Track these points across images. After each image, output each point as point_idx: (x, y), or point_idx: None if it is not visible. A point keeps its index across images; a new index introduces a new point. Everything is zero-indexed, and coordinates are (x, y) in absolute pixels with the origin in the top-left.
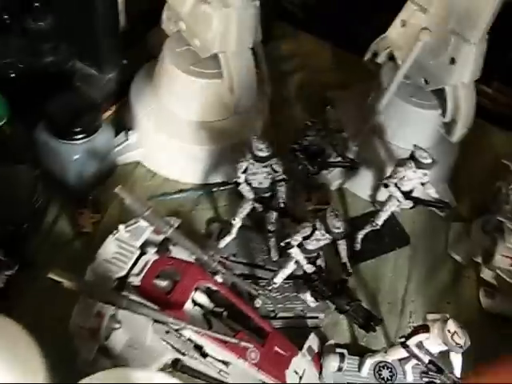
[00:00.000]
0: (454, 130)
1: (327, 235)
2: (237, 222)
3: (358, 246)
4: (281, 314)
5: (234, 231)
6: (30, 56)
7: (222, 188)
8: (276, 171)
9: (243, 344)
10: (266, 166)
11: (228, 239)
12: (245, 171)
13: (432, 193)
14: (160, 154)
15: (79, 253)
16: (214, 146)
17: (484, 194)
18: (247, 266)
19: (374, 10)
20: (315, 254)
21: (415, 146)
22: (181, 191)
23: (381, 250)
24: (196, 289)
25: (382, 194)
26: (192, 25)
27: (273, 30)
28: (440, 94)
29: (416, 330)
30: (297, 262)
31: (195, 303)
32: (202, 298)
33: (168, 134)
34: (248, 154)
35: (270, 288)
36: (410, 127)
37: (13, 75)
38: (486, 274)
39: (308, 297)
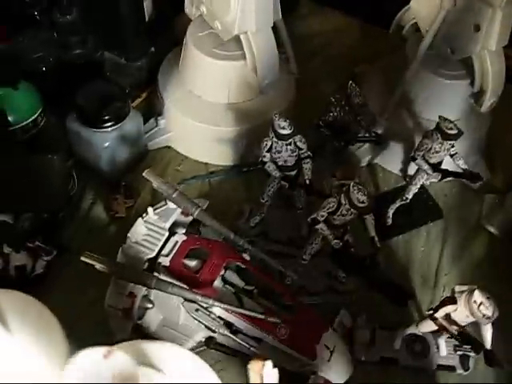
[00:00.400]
0: (483, 99)
1: (352, 210)
2: (265, 201)
3: (390, 221)
4: (312, 290)
5: (264, 210)
6: (59, 49)
7: (251, 168)
8: (300, 148)
9: (271, 320)
10: (289, 144)
11: (258, 218)
12: (269, 150)
13: (461, 164)
14: (189, 138)
15: (114, 237)
16: (241, 127)
17: None
18: (278, 243)
19: None
20: (342, 230)
21: (440, 117)
22: (211, 173)
23: (412, 224)
24: (226, 268)
25: (412, 168)
26: (212, 8)
27: (299, 7)
28: (468, 63)
29: (443, 302)
30: (324, 238)
31: (226, 282)
32: (232, 277)
33: (195, 117)
34: (271, 132)
35: (300, 264)
36: (439, 99)
37: (44, 69)
38: None
39: (339, 272)
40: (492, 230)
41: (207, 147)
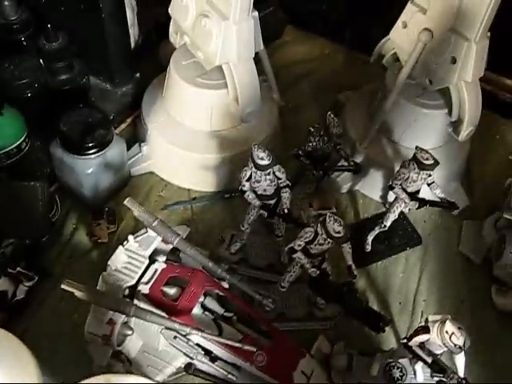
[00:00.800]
0: (461, 128)
1: (329, 240)
2: (245, 229)
3: (369, 248)
4: (291, 316)
5: (244, 237)
6: (45, 75)
7: (233, 194)
8: (279, 178)
9: (247, 348)
10: (268, 174)
11: (239, 245)
12: (249, 179)
13: (438, 193)
14: (172, 165)
15: (96, 262)
16: (223, 155)
17: (497, 191)
18: (258, 270)
19: (385, 10)
20: (320, 258)
21: (417, 147)
22: (194, 199)
23: (391, 250)
24: (206, 295)
25: (391, 195)
26: (195, 38)
27: (284, 34)
28: (446, 93)
29: (417, 332)
30: (302, 267)
31: (206, 308)
32: (212, 304)
33: (178, 144)
34: (250, 162)
35: (278, 291)
36: (418, 127)
37: (29, 94)
38: (499, 272)
39: (317, 299)
40: (470, 256)
41: (190, 174)
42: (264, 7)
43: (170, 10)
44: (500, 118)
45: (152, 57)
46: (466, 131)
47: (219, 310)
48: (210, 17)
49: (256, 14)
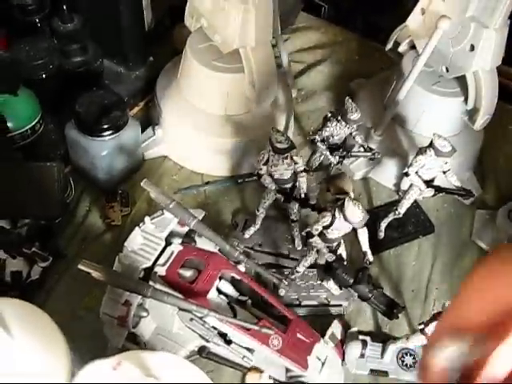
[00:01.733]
0: (477, 117)
1: (347, 224)
2: (260, 213)
3: (382, 235)
4: (305, 302)
5: (259, 222)
6: (60, 56)
7: (247, 179)
8: (296, 162)
9: (264, 331)
10: (286, 158)
11: (253, 230)
12: (266, 163)
13: (454, 181)
14: (186, 148)
15: (109, 245)
16: (237, 139)
17: (510, 181)
18: (272, 255)
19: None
20: (336, 243)
21: (434, 134)
22: (207, 183)
23: (404, 238)
24: (221, 278)
25: (405, 183)
26: (212, 21)
27: (299, 21)
28: (462, 81)
29: (434, 317)
30: (318, 251)
31: (220, 292)
32: (227, 287)
33: (192, 128)
34: (268, 145)
35: (293, 277)
36: (433, 115)
37: (43, 76)
38: None
39: (332, 285)
40: (482, 245)
41: (203, 158)
42: None
43: None
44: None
45: (165, 40)
46: (481, 120)
47: (234, 293)
48: (229, 0)
49: None
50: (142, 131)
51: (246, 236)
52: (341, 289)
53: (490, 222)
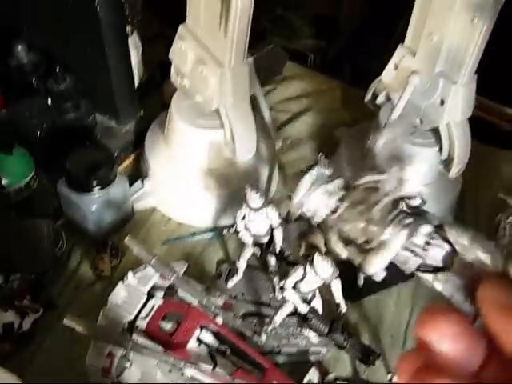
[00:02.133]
0: (451, 166)
1: (318, 278)
2: (241, 264)
3: (361, 282)
4: (285, 349)
5: (240, 272)
6: (54, 114)
7: (231, 230)
8: (272, 218)
9: (237, 381)
10: (262, 214)
11: (235, 279)
12: (243, 218)
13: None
14: (173, 201)
15: (99, 295)
16: (221, 192)
17: (491, 226)
18: (254, 304)
19: (384, 47)
20: (311, 294)
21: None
22: (193, 234)
23: (384, 285)
24: (202, 328)
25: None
26: (193, 82)
27: (286, 71)
28: (437, 132)
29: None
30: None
31: (202, 342)
32: (208, 337)
33: (178, 181)
34: (244, 202)
35: (270, 327)
36: (409, 165)
37: (38, 134)
38: None
39: (311, 333)
40: None
41: (190, 209)
42: (264, 45)
43: (170, 54)
44: (497, 150)
45: (156, 94)
46: (456, 168)
47: (214, 343)
48: (206, 64)
49: (251, 59)
50: (133, 184)
51: (229, 285)
52: (319, 336)
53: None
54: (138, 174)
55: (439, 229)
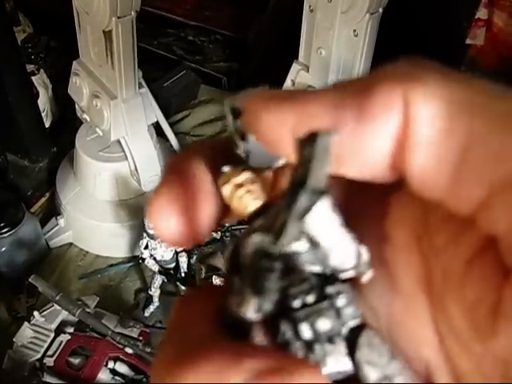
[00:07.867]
0: None
1: None
2: (154, 292)
3: None
4: None
5: (155, 300)
6: None
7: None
8: None
9: None
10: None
11: (152, 308)
12: (146, 247)
13: None
14: (87, 234)
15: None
16: (132, 222)
17: None
18: None
19: None
20: None
21: None
22: (111, 266)
23: None
24: (116, 360)
25: None
26: (91, 116)
27: (201, 94)
28: None
29: None
30: None
31: (116, 373)
32: (122, 368)
33: (90, 216)
34: (144, 231)
35: None
36: None
37: None
38: None
39: None
40: None
41: (104, 242)
42: (177, 71)
43: (68, 90)
44: None
45: (69, 130)
46: None
47: (130, 373)
48: (100, 97)
49: (144, 89)
50: (48, 221)
51: (146, 314)
52: None
53: None
54: (53, 211)
55: None
